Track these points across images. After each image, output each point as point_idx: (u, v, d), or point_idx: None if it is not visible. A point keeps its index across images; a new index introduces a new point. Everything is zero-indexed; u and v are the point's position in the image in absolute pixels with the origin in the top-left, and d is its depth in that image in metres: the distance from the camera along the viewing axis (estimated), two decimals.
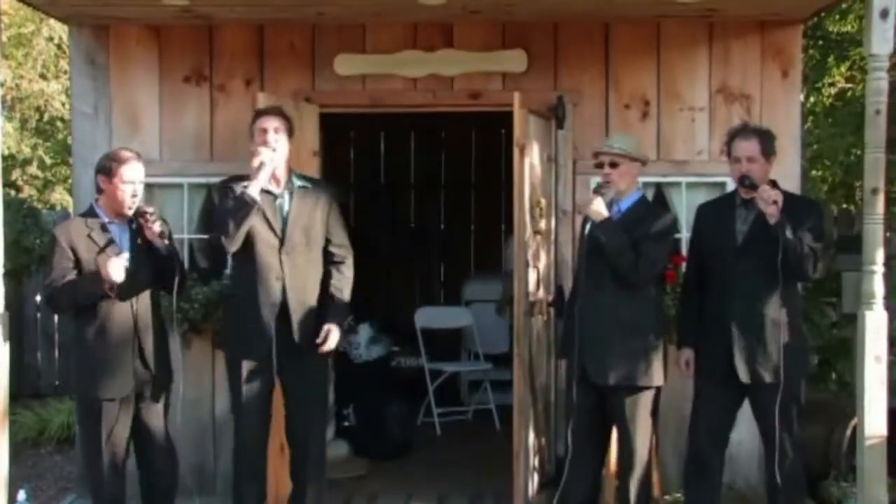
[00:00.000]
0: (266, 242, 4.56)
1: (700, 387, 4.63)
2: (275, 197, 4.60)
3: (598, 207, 4.40)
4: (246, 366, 4.57)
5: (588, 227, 4.46)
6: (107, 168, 4.45)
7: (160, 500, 4.68)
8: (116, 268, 4.21)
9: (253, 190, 4.46)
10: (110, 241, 4.39)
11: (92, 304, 4.36)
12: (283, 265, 4.57)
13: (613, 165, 4.51)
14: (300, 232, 4.63)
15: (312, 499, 4.72)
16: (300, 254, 4.62)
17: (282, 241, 4.58)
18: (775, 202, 4.23)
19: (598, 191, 4.51)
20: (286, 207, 4.62)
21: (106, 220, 4.45)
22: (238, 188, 4.52)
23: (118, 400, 4.42)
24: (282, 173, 4.63)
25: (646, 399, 4.49)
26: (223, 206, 4.57)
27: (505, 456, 5.30)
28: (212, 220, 4.87)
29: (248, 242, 4.53)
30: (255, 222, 4.50)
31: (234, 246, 4.52)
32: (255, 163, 4.49)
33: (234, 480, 4.74)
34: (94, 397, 4.40)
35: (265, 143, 4.55)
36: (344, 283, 4.74)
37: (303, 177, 4.77)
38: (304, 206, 4.65)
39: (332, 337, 4.58)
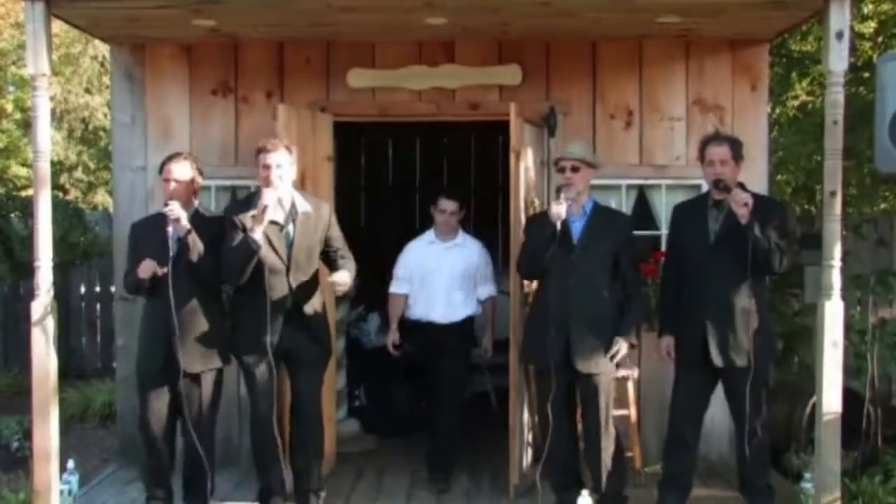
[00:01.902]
0: (272, 268, 4.38)
1: (679, 371, 4.60)
2: (281, 227, 4.40)
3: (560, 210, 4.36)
4: (256, 367, 4.45)
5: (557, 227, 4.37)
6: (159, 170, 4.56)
7: (195, 476, 4.57)
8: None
9: (257, 235, 4.27)
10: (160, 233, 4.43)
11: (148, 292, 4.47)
12: (290, 286, 4.42)
13: (575, 170, 4.48)
14: (304, 254, 4.47)
15: (315, 475, 4.66)
16: (304, 273, 4.48)
17: (288, 267, 4.41)
18: (746, 205, 4.20)
19: (559, 191, 4.46)
20: (291, 235, 4.43)
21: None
22: (247, 221, 4.32)
23: (153, 376, 4.45)
24: (286, 202, 4.41)
25: (611, 382, 4.52)
26: (231, 239, 4.35)
27: (501, 432, 5.27)
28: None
29: (255, 267, 4.34)
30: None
31: (241, 281, 4.36)
32: (261, 207, 4.25)
33: (256, 458, 4.64)
34: (138, 373, 4.55)
35: (268, 181, 4.32)
36: (350, 264, 4.59)
37: (304, 198, 4.53)
38: (306, 231, 4.47)
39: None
